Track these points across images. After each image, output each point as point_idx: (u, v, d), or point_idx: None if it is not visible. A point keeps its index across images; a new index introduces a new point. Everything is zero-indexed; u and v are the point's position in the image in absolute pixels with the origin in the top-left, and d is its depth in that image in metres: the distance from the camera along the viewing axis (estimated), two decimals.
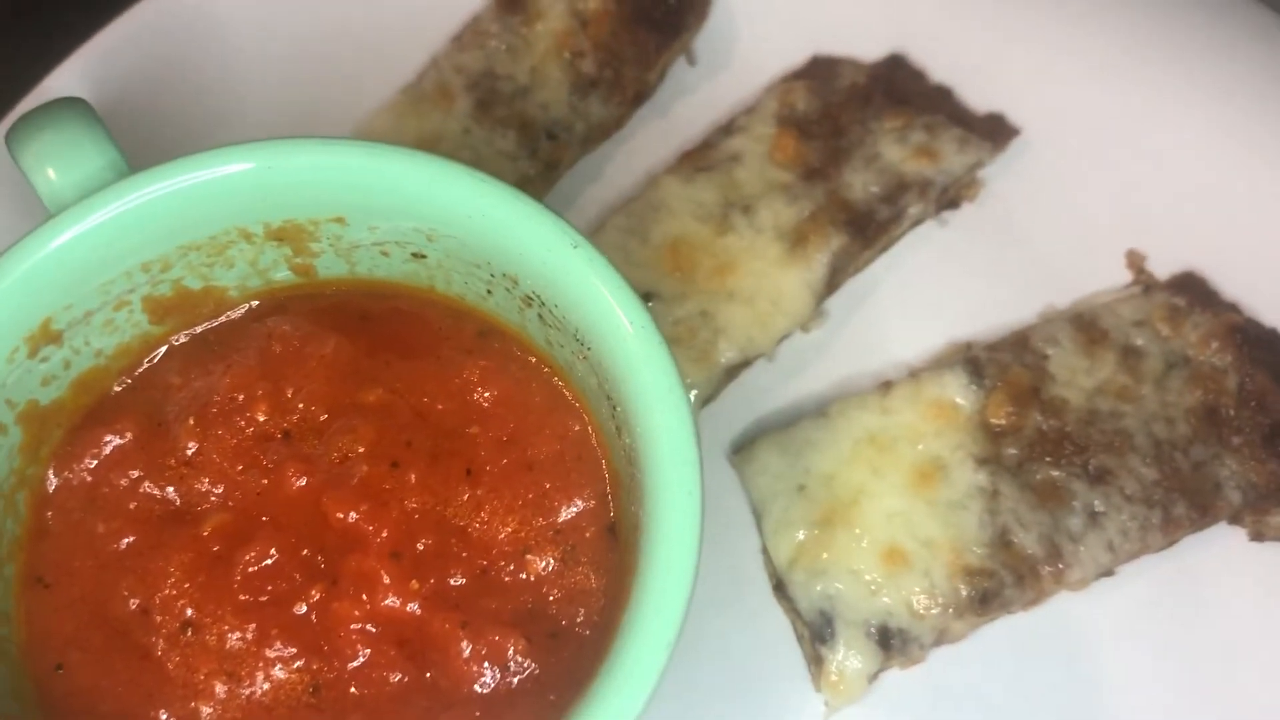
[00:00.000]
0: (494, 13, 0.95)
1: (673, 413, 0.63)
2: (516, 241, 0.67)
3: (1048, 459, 0.84)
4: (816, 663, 0.81)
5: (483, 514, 0.70)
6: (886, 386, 0.87)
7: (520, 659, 0.66)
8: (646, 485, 0.63)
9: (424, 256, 0.73)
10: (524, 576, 0.69)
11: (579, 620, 0.68)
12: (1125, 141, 0.94)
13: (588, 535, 0.69)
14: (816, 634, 0.81)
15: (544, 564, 0.69)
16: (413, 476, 0.70)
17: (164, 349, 0.75)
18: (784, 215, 0.91)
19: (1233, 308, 0.89)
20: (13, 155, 0.71)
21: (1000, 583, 0.81)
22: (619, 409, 0.66)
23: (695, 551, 0.61)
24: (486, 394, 0.72)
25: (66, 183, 0.69)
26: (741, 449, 0.88)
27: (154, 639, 0.68)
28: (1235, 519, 0.85)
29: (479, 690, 0.65)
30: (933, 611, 0.81)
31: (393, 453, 0.70)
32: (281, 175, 0.69)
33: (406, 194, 0.68)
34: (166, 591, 0.68)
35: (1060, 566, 0.82)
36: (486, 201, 0.67)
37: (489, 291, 0.73)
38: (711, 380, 0.88)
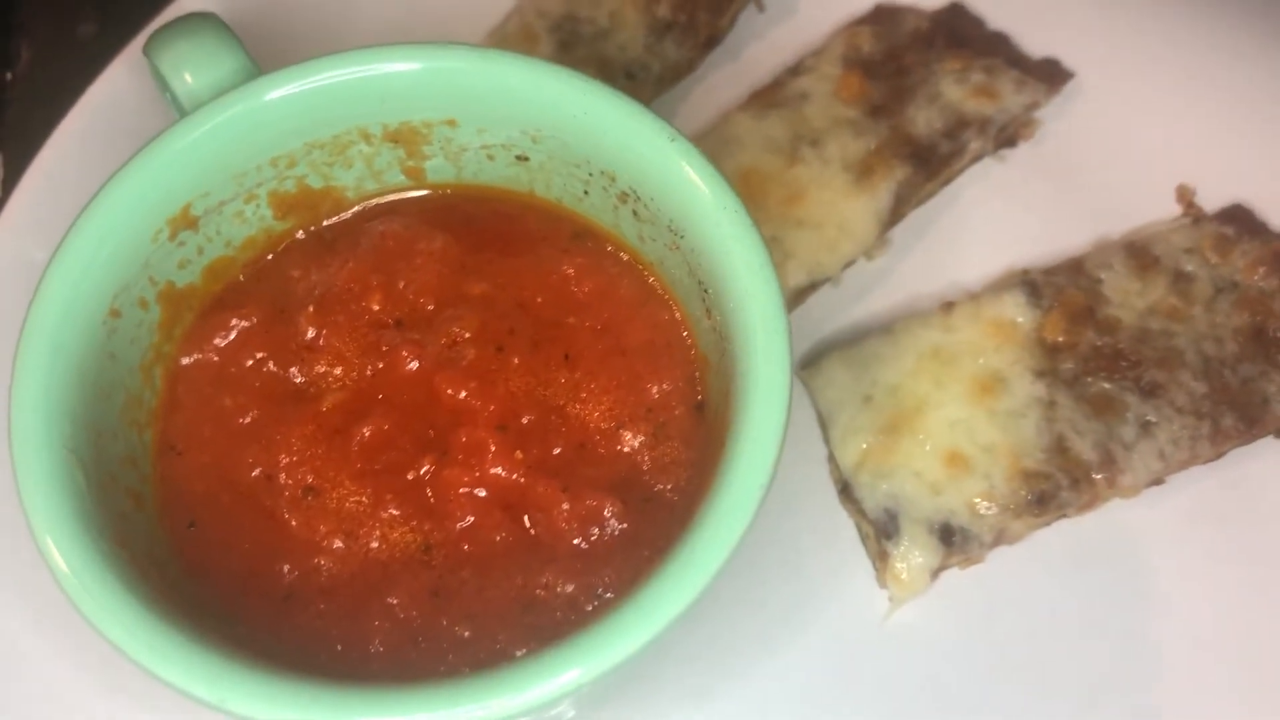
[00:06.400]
0: None
1: (763, 285, 0.67)
2: (617, 138, 0.72)
3: (1102, 373, 0.88)
4: (881, 559, 0.85)
5: (581, 394, 0.74)
6: (948, 307, 0.91)
7: (616, 520, 0.70)
8: (738, 355, 0.67)
9: (527, 159, 0.78)
10: (619, 449, 0.73)
11: (670, 488, 0.72)
12: (1173, 84, 0.99)
13: (677, 413, 0.74)
14: (882, 530, 0.85)
15: (636, 438, 0.73)
16: (516, 360, 0.74)
17: (285, 245, 0.81)
18: (851, 148, 0.95)
19: None
20: (152, 62, 0.77)
21: (1056, 485, 0.85)
22: (709, 291, 0.71)
23: (785, 411, 0.65)
24: (582, 288, 0.77)
25: (202, 85, 0.75)
26: (809, 364, 0.92)
27: (277, 502, 0.72)
28: None
29: (578, 546, 0.70)
30: (992, 511, 0.85)
31: (497, 339, 0.75)
32: (399, 78, 0.74)
33: (515, 95, 0.74)
34: (288, 460, 0.73)
35: (1113, 472, 0.85)
36: (590, 100, 0.72)
37: (586, 192, 0.78)
38: None
